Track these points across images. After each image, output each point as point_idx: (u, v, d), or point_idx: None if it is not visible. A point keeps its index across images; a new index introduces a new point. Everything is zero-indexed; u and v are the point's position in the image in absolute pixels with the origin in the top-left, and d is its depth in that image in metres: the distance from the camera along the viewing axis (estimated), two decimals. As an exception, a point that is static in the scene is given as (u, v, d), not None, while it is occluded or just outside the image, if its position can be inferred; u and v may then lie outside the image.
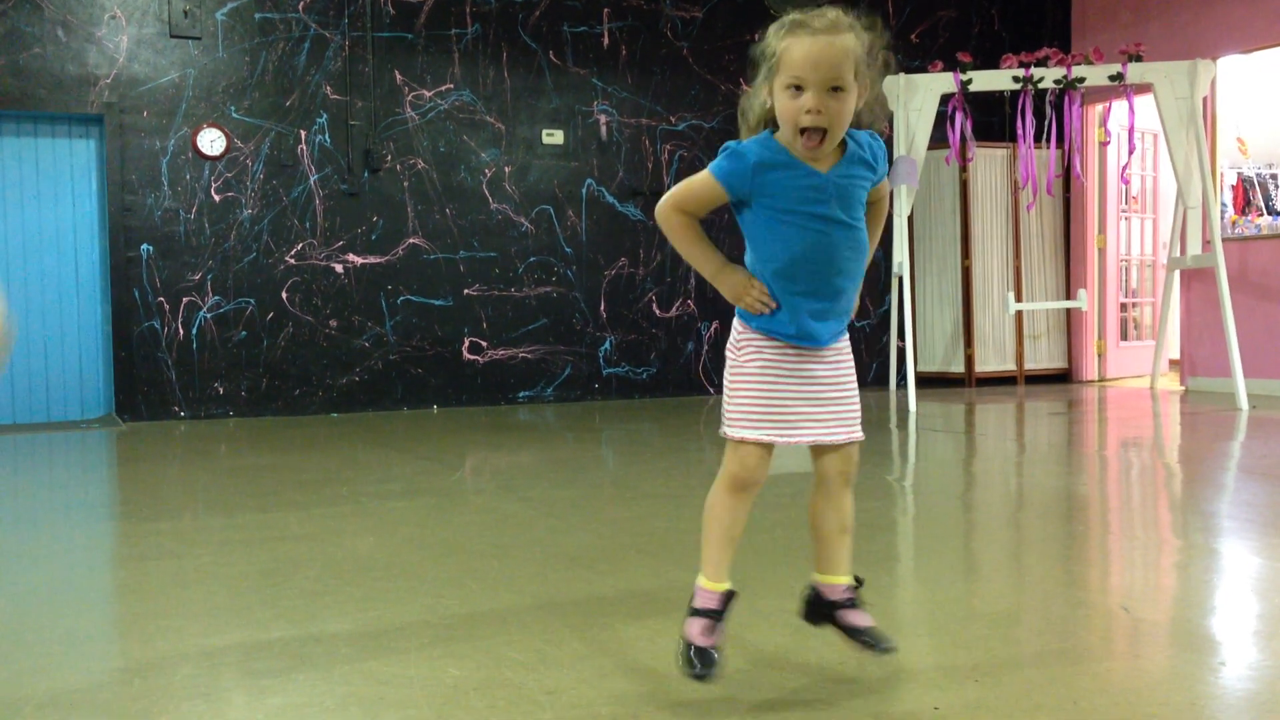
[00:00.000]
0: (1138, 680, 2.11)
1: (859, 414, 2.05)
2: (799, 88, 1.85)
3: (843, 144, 1.95)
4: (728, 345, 2.06)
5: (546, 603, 2.73)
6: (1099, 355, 9.48)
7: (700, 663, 1.92)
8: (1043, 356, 9.42)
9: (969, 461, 5.25)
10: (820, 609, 2.07)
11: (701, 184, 1.97)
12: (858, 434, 2.04)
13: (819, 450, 2.03)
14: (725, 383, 2.04)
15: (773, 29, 1.93)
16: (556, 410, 7.90)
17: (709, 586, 1.98)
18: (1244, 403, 7.07)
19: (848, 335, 2.07)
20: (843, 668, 2.14)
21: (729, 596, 1.98)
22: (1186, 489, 4.38)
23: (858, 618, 2.02)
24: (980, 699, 1.98)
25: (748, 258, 2.02)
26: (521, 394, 8.32)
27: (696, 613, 1.97)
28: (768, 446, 1.97)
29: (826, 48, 1.84)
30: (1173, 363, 9.46)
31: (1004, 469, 4.99)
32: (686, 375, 8.74)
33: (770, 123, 1.96)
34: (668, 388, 8.70)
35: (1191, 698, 2.01)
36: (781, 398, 1.97)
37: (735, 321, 2.05)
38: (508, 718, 1.96)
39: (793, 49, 1.86)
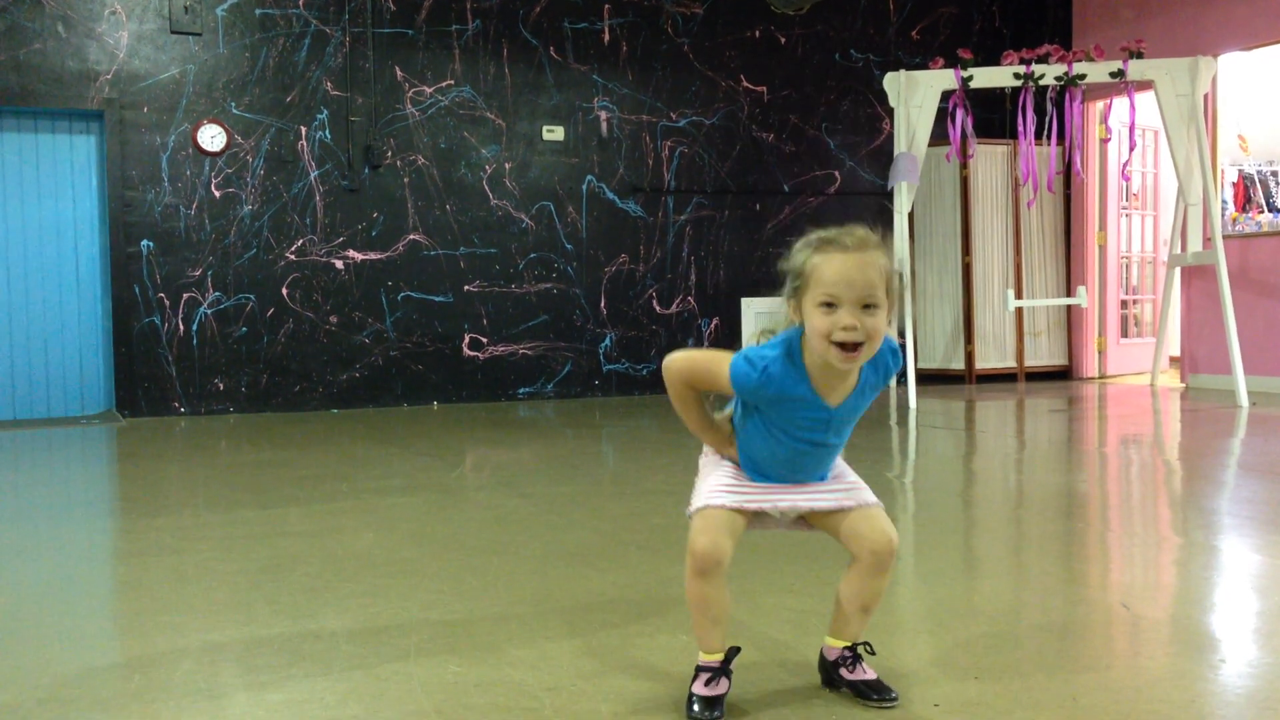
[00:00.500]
0: (1137, 678, 2.11)
1: (858, 485, 2.01)
2: (831, 304, 1.84)
3: (860, 370, 1.94)
4: (703, 451, 2.12)
5: (546, 599, 2.73)
6: (1099, 352, 9.48)
7: (705, 708, 1.92)
8: (1043, 353, 9.42)
9: (969, 458, 5.25)
10: (825, 670, 2.07)
11: (715, 373, 1.95)
12: (866, 499, 1.99)
13: (834, 525, 1.99)
14: (697, 479, 2.07)
15: (799, 246, 1.91)
16: (557, 407, 7.90)
17: (707, 659, 1.97)
18: (1244, 400, 7.07)
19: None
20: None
21: (730, 654, 1.97)
22: (1186, 486, 4.38)
23: (859, 673, 2.01)
24: (980, 696, 1.98)
25: (735, 412, 2.04)
26: (522, 390, 8.32)
27: (701, 669, 1.97)
28: (731, 520, 1.93)
29: (860, 266, 1.83)
30: (1173, 360, 9.46)
31: (1004, 466, 4.99)
32: (687, 372, 8.73)
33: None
34: (668, 384, 8.68)
35: (1191, 695, 2.01)
36: (745, 483, 2.00)
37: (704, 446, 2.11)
38: (507, 714, 1.96)
39: (824, 267, 1.84)
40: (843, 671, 2.01)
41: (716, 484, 1.98)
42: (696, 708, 1.92)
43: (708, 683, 1.94)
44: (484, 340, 8.22)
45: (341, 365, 7.87)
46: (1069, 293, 9.26)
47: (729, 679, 1.95)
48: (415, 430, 6.59)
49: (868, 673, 2.01)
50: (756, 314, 8.47)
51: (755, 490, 1.98)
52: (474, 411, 7.64)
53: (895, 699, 1.97)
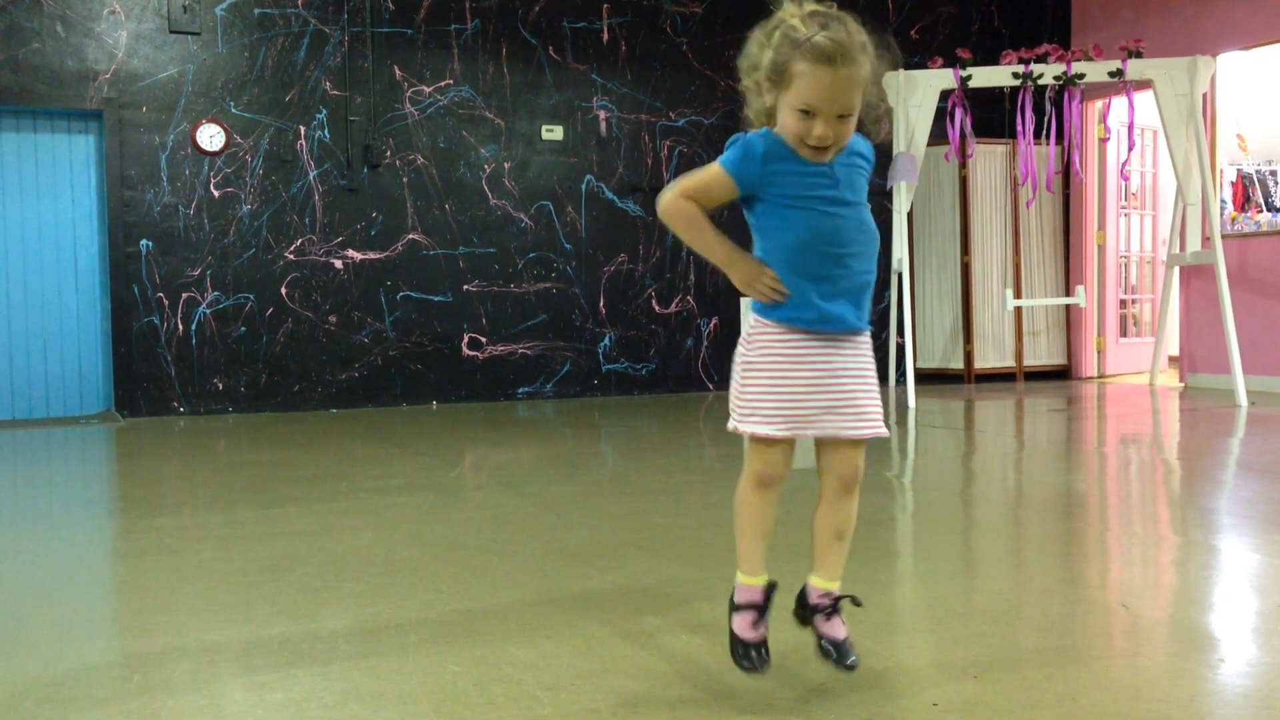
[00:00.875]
0: (1137, 677, 2.11)
1: (880, 409, 2.01)
2: (808, 112, 1.87)
3: None
4: (740, 339, 2.04)
5: (546, 598, 2.73)
6: (1098, 352, 9.48)
7: (754, 656, 1.93)
8: (1042, 353, 9.42)
9: (968, 458, 5.25)
10: (801, 609, 2.06)
11: (712, 176, 1.96)
12: (878, 429, 1.99)
13: (824, 449, 2.00)
14: (733, 376, 2.02)
15: (783, 33, 1.88)
16: (556, 406, 7.90)
17: (747, 582, 1.97)
18: (1243, 399, 7.08)
19: (868, 333, 2.05)
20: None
21: (770, 588, 1.97)
22: (1185, 485, 4.38)
23: (830, 627, 1.99)
24: (979, 695, 1.98)
25: (756, 250, 2.00)
26: (521, 390, 8.32)
27: (739, 607, 1.96)
28: (788, 440, 1.95)
29: (841, 83, 1.85)
30: (1172, 359, 9.47)
31: (1003, 465, 4.99)
32: (686, 371, 8.74)
33: (769, 119, 1.97)
34: (667, 384, 8.70)
35: (1190, 694, 2.01)
36: (793, 391, 1.94)
37: (750, 316, 2.02)
38: (507, 713, 1.96)
39: (806, 77, 1.85)
40: (818, 620, 2.00)
41: (765, 400, 1.94)
42: (754, 655, 1.92)
43: (754, 624, 1.93)
44: (483, 340, 8.22)
45: (341, 365, 7.87)
46: (1068, 292, 9.26)
47: (767, 620, 1.96)
48: (414, 430, 6.59)
49: (838, 630, 1.99)
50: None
51: (801, 405, 1.94)
52: (473, 411, 7.64)
53: (852, 666, 1.96)
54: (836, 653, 1.97)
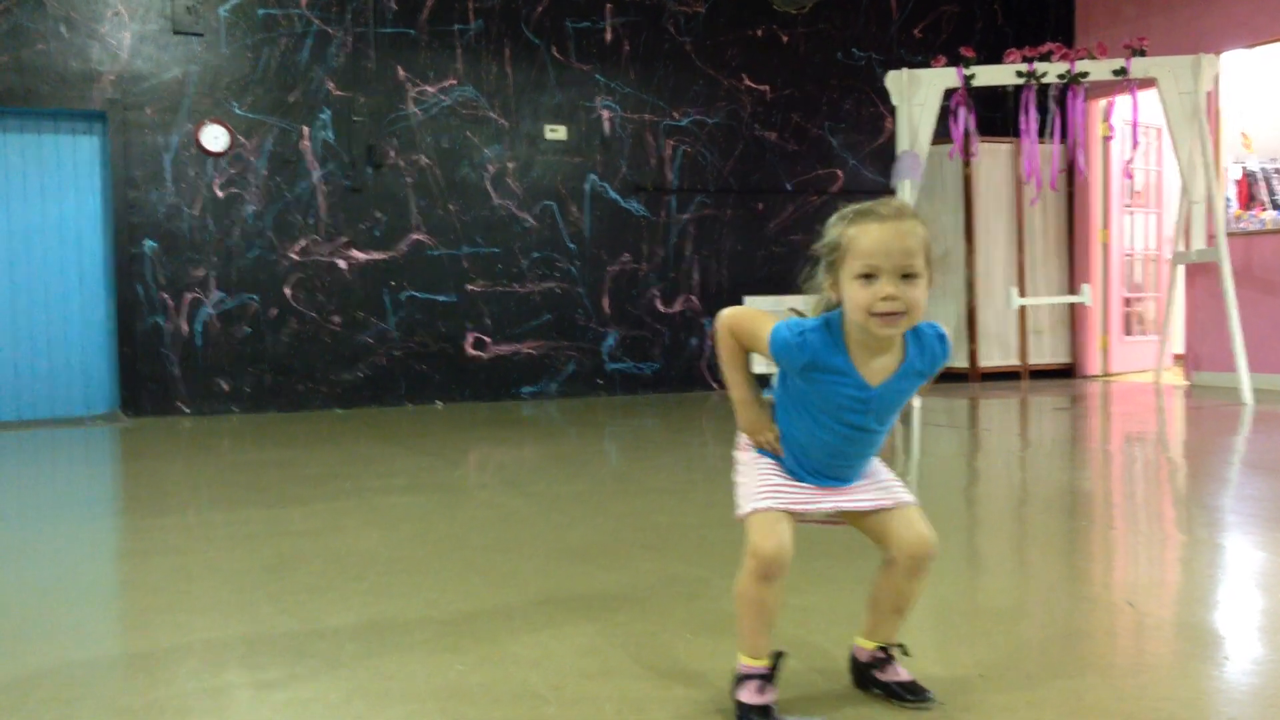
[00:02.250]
0: (1142, 675, 2.11)
1: (894, 483, 1.96)
2: (870, 275, 1.79)
3: (904, 348, 1.89)
4: (736, 443, 2.02)
5: (550, 598, 2.73)
6: (1103, 350, 9.47)
7: (761, 718, 1.87)
8: (1046, 352, 9.41)
9: (972, 457, 5.25)
10: (857, 671, 2.03)
11: (758, 330, 1.91)
12: (902, 497, 1.94)
13: (870, 525, 1.95)
14: (735, 476, 1.99)
15: (832, 220, 1.87)
16: (560, 406, 7.90)
17: (752, 665, 1.91)
18: (1248, 397, 7.06)
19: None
20: (846, 663, 2.14)
21: (776, 659, 1.92)
22: (1190, 484, 4.37)
23: (892, 673, 1.97)
24: (984, 693, 1.98)
25: (777, 393, 1.97)
26: (525, 390, 8.32)
27: (744, 678, 1.91)
28: (787, 529, 1.87)
29: (898, 234, 1.80)
30: (1177, 358, 9.45)
31: (1008, 464, 4.98)
32: (690, 371, 8.74)
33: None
34: (671, 383, 8.69)
35: (1196, 693, 2.01)
36: (794, 479, 1.93)
37: (739, 436, 2.01)
38: (512, 712, 1.96)
39: (861, 238, 1.80)
40: (875, 673, 1.97)
41: (763, 483, 1.91)
42: (755, 718, 1.87)
43: (760, 690, 1.88)
44: (487, 340, 8.22)
45: (345, 365, 7.88)
46: (1072, 291, 9.25)
47: (775, 685, 1.91)
48: (418, 429, 6.59)
49: (901, 674, 1.96)
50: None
51: (799, 491, 1.91)
52: (477, 411, 7.64)
53: (931, 699, 1.92)
54: (911, 693, 1.94)
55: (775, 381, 1.98)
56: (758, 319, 1.92)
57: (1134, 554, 3.20)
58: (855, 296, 1.80)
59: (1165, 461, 5.01)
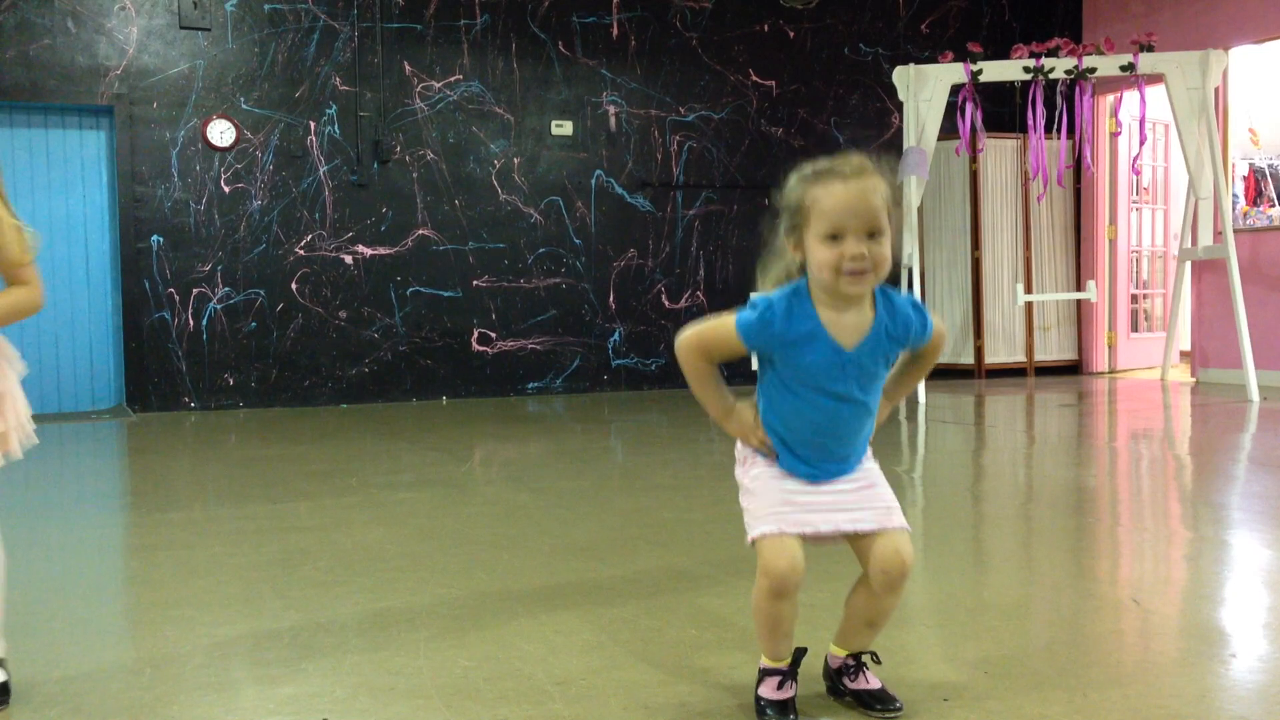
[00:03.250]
0: (1148, 672, 2.11)
1: (894, 507, 1.92)
2: (836, 236, 1.78)
3: (873, 307, 1.87)
4: (736, 460, 2.00)
5: (556, 593, 2.73)
6: (1109, 347, 9.45)
7: (780, 714, 1.87)
8: (1053, 348, 9.39)
9: (978, 453, 5.24)
10: (829, 678, 2.02)
11: (722, 332, 1.89)
12: (895, 522, 1.91)
13: (859, 543, 1.92)
14: (740, 496, 1.96)
15: (793, 180, 1.85)
16: (565, 402, 7.91)
17: (773, 664, 1.91)
18: (1255, 394, 7.05)
19: (869, 450, 1.99)
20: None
21: (797, 657, 1.92)
22: (1197, 481, 4.37)
23: (862, 681, 1.96)
24: (990, 690, 1.98)
25: (760, 389, 1.95)
26: (530, 385, 8.32)
27: (766, 673, 1.91)
28: (798, 545, 1.86)
29: (863, 194, 1.78)
30: (1183, 354, 9.43)
31: (1013, 461, 4.98)
32: (695, 366, 8.72)
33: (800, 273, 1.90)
34: (677, 379, 8.67)
35: (1202, 690, 2.01)
36: (798, 495, 1.90)
37: (737, 445, 1.99)
38: (517, 708, 1.96)
39: (825, 199, 1.79)
40: (845, 680, 1.97)
41: (772, 503, 1.88)
42: (771, 713, 1.87)
43: (779, 686, 1.88)
44: (493, 335, 8.22)
45: (350, 360, 7.88)
46: (1079, 287, 9.23)
47: (796, 681, 1.91)
48: (424, 425, 6.60)
49: (871, 681, 1.96)
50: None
51: (807, 506, 1.88)
52: (482, 406, 7.65)
53: (899, 708, 1.91)
54: (880, 702, 1.92)
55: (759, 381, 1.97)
56: (717, 325, 1.90)
57: (1140, 551, 3.19)
58: (822, 257, 1.79)
59: (1171, 459, 5.00)
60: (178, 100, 7.45)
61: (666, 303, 8.64)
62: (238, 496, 4.27)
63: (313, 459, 5.22)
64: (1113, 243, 9.36)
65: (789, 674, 1.90)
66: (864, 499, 1.91)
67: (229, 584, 2.91)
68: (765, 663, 1.92)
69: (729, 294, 8.67)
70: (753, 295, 1.91)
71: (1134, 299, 9.62)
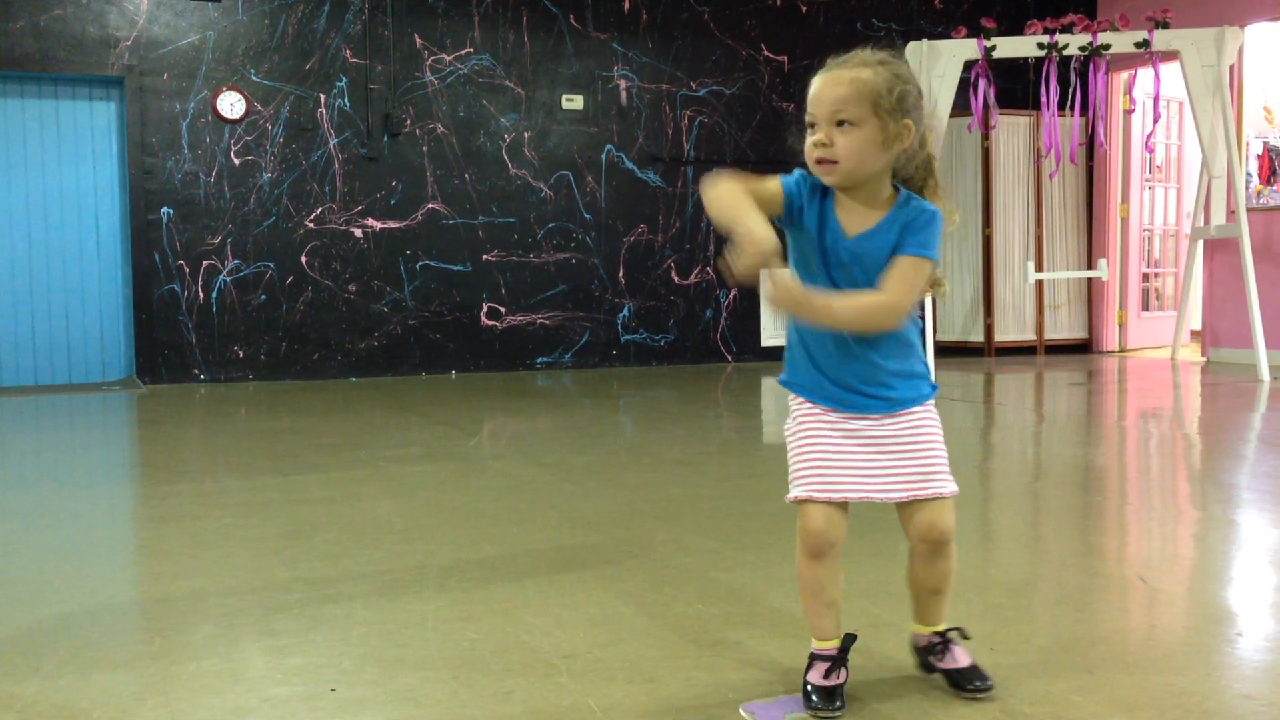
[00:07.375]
0: (1154, 650, 2.11)
1: (937, 470, 1.89)
2: (813, 125, 1.83)
3: (890, 208, 1.85)
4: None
5: (563, 567, 2.74)
6: (1120, 325, 9.42)
7: (825, 700, 1.83)
8: (1063, 326, 9.37)
9: (987, 431, 5.24)
10: (919, 655, 2.00)
11: (766, 180, 1.85)
12: (935, 489, 1.88)
13: (902, 512, 1.91)
14: (787, 448, 1.93)
15: None
16: (574, 376, 7.91)
17: (821, 646, 1.89)
18: (1265, 374, 7.03)
19: (930, 402, 1.95)
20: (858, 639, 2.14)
21: (846, 643, 1.89)
22: (1205, 460, 4.36)
23: (950, 659, 1.93)
24: (995, 667, 1.98)
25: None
26: (539, 360, 8.33)
27: (816, 657, 1.89)
28: (835, 506, 1.85)
29: (831, 81, 1.81)
30: (1194, 334, 9.39)
31: (1022, 439, 4.97)
32: (705, 342, 8.73)
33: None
34: (686, 355, 8.69)
35: (1208, 668, 2.01)
36: (829, 456, 1.86)
37: (789, 396, 1.95)
38: (524, 681, 1.97)
39: (809, 89, 1.85)
40: (932, 659, 1.95)
41: (807, 463, 1.86)
42: (816, 699, 1.83)
43: (826, 673, 1.85)
44: (502, 310, 8.22)
45: (360, 334, 7.89)
46: (1090, 265, 9.20)
47: (847, 668, 1.87)
48: (433, 399, 6.61)
49: (960, 659, 1.92)
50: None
51: (842, 465, 1.85)
52: (491, 381, 7.66)
53: (990, 686, 1.88)
54: (968, 680, 1.89)
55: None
56: (761, 178, 1.86)
57: (1147, 529, 3.19)
58: (805, 147, 1.85)
59: (1180, 438, 4.99)
60: (188, 72, 7.43)
61: (676, 278, 8.63)
62: (247, 468, 4.29)
63: (322, 432, 5.24)
64: (1125, 221, 9.32)
65: (838, 660, 1.87)
66: (903, 459, 1.88)
67: (238, 555, 2.92)
68: (815, 646, 1.89)
69: (739, 270, 8.65)
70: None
71: (1145, 278, 9.58)
